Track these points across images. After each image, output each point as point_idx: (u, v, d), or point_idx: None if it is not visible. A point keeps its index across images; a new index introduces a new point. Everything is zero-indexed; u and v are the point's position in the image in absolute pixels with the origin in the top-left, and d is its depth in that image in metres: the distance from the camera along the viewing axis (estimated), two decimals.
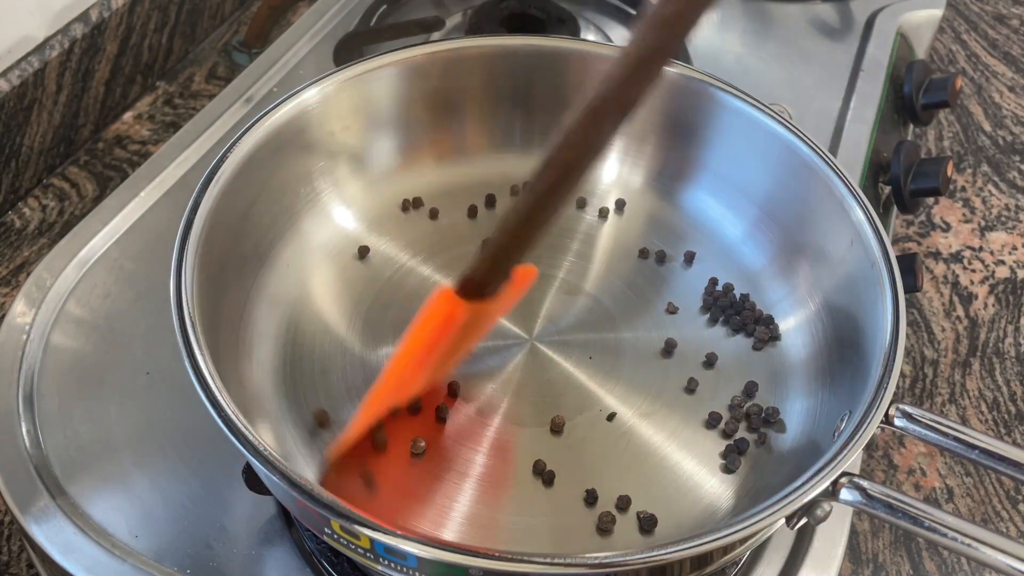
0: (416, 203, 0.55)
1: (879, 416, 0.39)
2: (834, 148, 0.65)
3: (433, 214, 0.55)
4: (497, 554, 0.34)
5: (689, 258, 0.54)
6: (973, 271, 0.67)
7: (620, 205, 0.56)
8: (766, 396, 0.48)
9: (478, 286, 0.40)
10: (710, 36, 0.75)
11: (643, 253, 0.54)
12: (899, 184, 0.63)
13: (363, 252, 0.53)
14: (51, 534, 0.44)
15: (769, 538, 0.46)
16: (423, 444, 0.45)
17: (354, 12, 0.73)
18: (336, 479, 0.42)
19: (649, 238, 0.55)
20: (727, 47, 0.74)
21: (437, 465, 0.45)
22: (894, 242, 0.68)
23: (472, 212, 0.56)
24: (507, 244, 0.39)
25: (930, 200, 0.71)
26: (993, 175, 0.74)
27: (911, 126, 0.73)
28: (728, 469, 0.45)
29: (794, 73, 0.72)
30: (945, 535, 0.36)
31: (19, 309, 0.52)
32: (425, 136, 0.56)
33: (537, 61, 0.55)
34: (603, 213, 0.56)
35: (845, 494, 0.38)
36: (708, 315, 0.51)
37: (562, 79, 0.55)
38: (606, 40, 0.71)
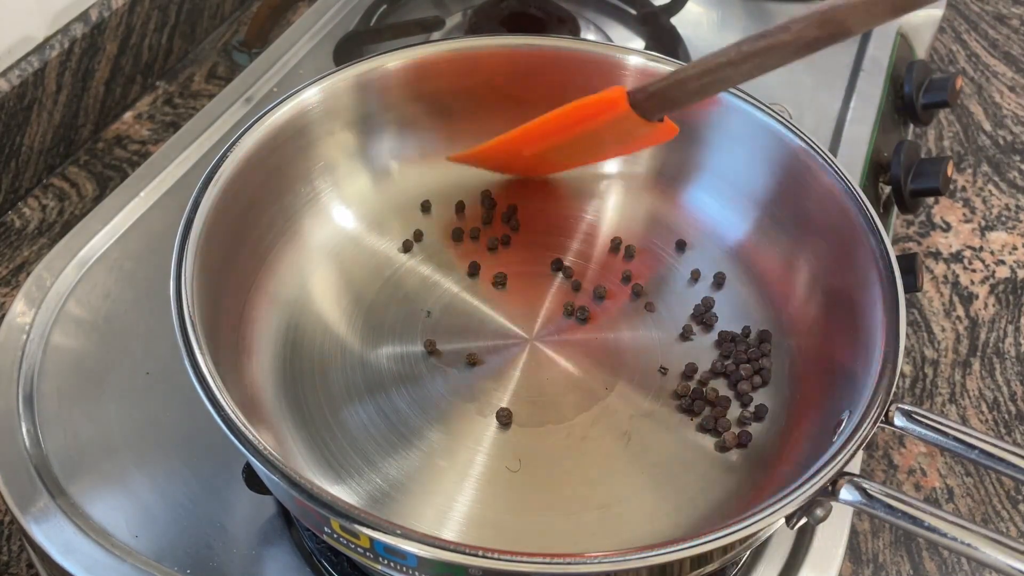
0: (423, 205, 0.56)
1: (879, 416, 0.39)
2: (834, 148, 0.65)
3: (432, 214, 0.55)
4: (497, 554, 0.34)
5: (695, 275, 0.54)
6: (973, 271, 0.67)
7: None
8: (765, 392, 0.48)
9: (648, 97, 0.47)
10: (710, 36, 0.75)
11: (628, 251, 0.54)
12: (899, 184, 0.63)
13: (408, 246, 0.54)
14: (51, 534, 0.44)
15: (769, 538, 0.46)
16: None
17: (354, 12, 0.73)
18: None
19: (649, 238, 0.55)
20: None
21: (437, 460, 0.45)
22: (894, 242, 0.68)
23: (472, 212, 0.56)
24: (692, 80, 0.46)
25: (930, 200, 0.71)
26: (993, 175, 0.74)
27: (911, 126, 0.73)
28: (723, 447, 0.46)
29: (794, 73, 0.71)
30: (945, 535, 0.36)
31: (19, 309, 0.52)
32: (425, 136, 0.56)
33: (537, 61, 0.55)
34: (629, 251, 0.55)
35: (845, 494, 0.38)
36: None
37: (562, 79, 0.55)
38: (606, 40, 0.71)
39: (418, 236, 0.54)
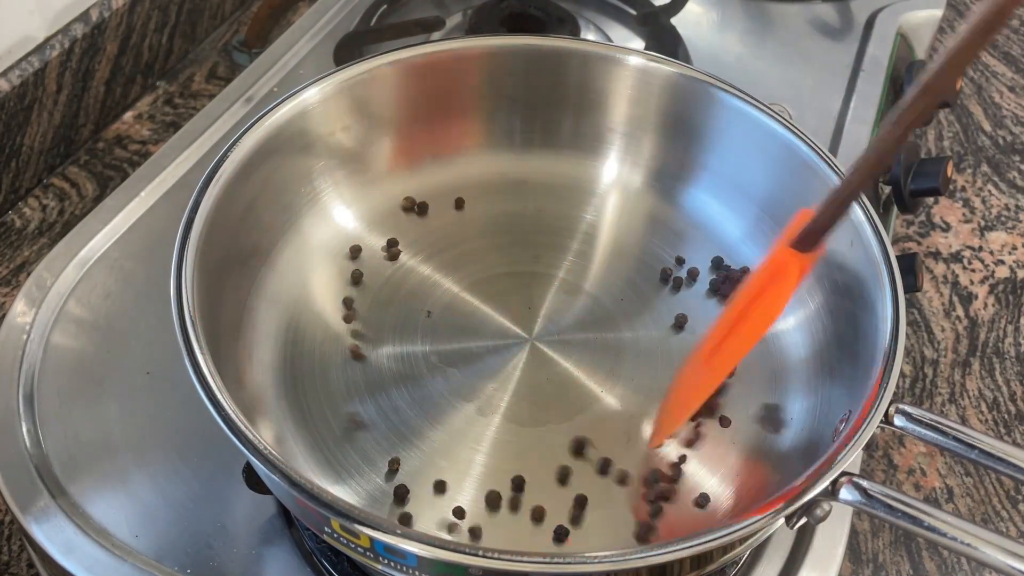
0: (419, 205, 0.55)
1: (879, 416, 0.39)
2: (834, 148, 0.65)
3: (432, 214, 0.55)
4: (497, 554, 0.34)
5: (694, 274, 0.54)
6: (973, 271, 0.67)
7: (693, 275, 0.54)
8: (765, 389, 0.48)
9: (819, 233, 0.40)
10: (710, 36, 0.75)
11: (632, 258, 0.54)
12: (899, 184, 0.63)
13: (355, 252, 0.53)
14: (51, 534, 0.44)
15: (769, 538, 0.46)
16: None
17: (354, 12, 0.73)
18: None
19: (649, 238, 0.55)
20: (727, 47, 0.74)
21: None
22: (894, 242, 0.68)
23: (469, 211, 0.56)
24: (845, 188, 0.39)
25: (930, 200, 0.71)
26: (993, 175, 0.74)
27: None
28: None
29: (794, 73, 0.71)
30: (945, 535, 0.36)
31: (19, 309, 0.52)
32: (425, 136, 0.56)
33: (537, 61, 0.55)
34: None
35: (845, 494, 0.38)
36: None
37: (562, 79, 0.55)
38: (606, 40, 0.71)
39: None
